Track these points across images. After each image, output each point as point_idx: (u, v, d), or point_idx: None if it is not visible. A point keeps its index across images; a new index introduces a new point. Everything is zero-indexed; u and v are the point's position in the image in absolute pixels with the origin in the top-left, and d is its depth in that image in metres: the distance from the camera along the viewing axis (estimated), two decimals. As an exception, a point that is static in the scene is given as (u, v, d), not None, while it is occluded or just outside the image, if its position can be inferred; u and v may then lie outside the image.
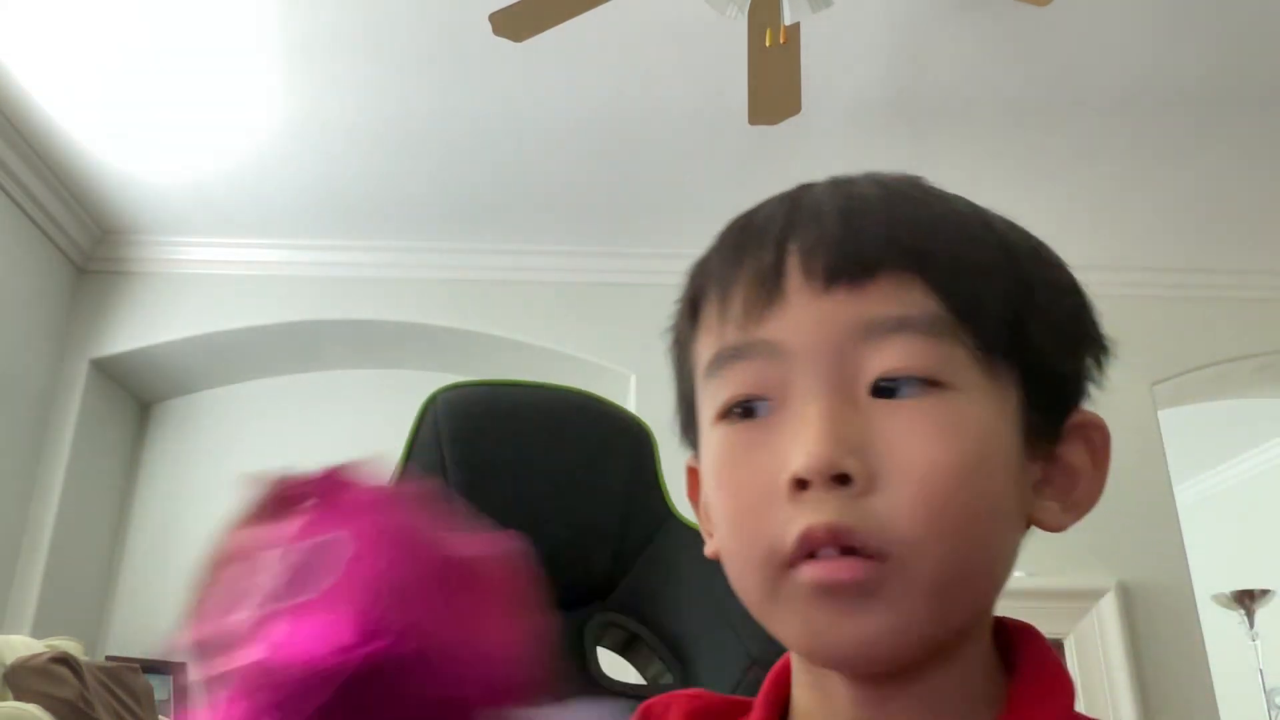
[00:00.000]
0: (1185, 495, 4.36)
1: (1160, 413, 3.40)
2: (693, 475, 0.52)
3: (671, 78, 2.75)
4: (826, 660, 0.44)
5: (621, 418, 1.25)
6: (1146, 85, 2.79)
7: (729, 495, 0.45)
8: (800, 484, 0.42)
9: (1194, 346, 3.50)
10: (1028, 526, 0.47)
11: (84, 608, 3.26)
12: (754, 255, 0.47)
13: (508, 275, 3.50)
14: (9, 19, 2.55)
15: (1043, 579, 3.09)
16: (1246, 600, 4.40)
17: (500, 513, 1.13)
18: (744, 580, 0.45)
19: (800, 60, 2.30)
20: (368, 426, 3.61)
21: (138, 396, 3.59)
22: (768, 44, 2.22)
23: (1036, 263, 0.48)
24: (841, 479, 0.41)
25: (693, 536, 1.19)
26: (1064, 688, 0.45)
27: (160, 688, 3.08)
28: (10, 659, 2.06)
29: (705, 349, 0.47)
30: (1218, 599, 4.40)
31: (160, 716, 2.69)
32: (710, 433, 0.47)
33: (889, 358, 0.43)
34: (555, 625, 1.10)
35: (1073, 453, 0.47)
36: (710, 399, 0.47)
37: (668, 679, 1.14)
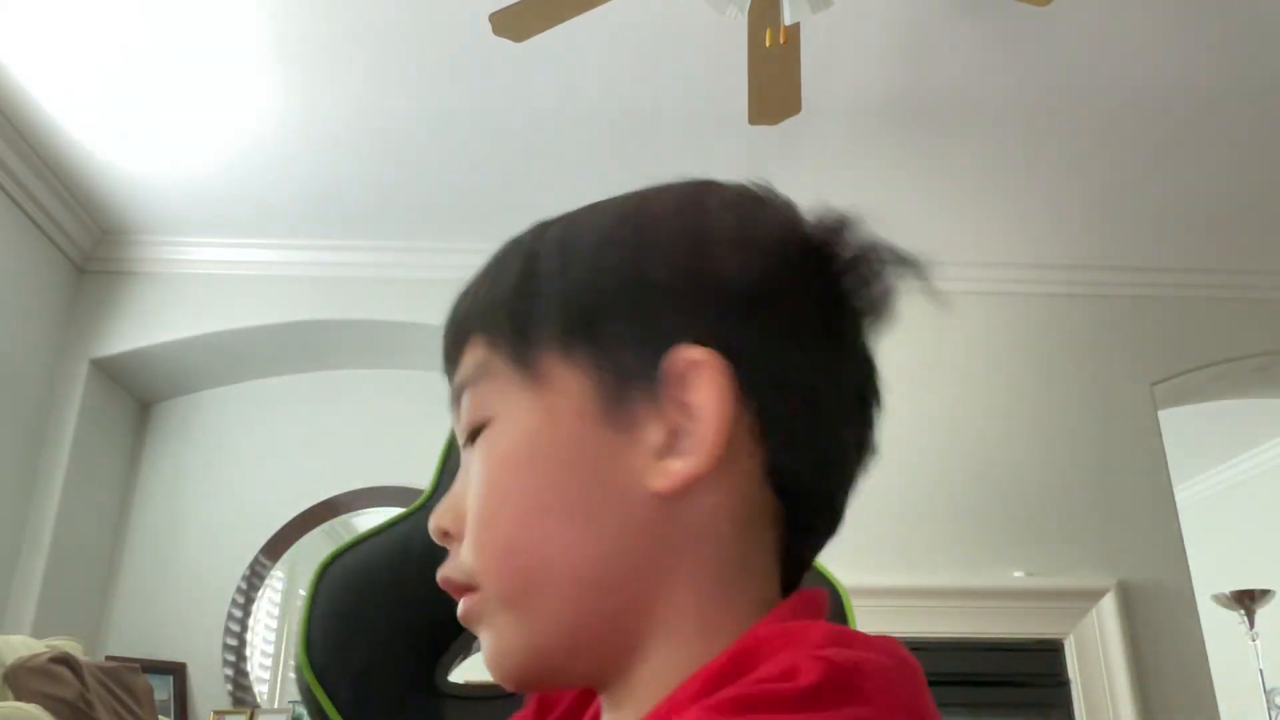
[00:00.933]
0: (1185, 495, 4.36)
1: (1160, 413, 3.41)
2: None
3: (671, 78, 2.75)
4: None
5: None
6: (1146, 85, 2.79)
7: None
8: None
9: (1194, 346, 3.50)
10: (664, 495, 0.44)
11: (84, 608, 3.26)
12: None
13: (508, 275, 3.50)
14: (9, 19, 2.55)
15: (1043, 579, 3.10)
16: (1246, 600, 4.40)
17: None
18: None
19: (800, 60, 2.30)
20: (368, 426, 3.63)
21: (138, 396, 3.59)
22: (768, 44, 2.22)
23: (555, 252, 0.48)
24: (447, 535, 0.48)
25: None
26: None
27: (160, 688, 3.08)
28: (10, 659, 2.06)
29: None
30: (1218, 599, 4.40)
31: (160, 716, 2.69)
32: None
33: (459, 417, 0.49)
34: None
35: (695, 394, 0.44)
36: None
37: None
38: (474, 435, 0.48)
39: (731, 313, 0.45)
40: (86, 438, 3.28)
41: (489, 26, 2.21)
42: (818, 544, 0.49)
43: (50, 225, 3.19)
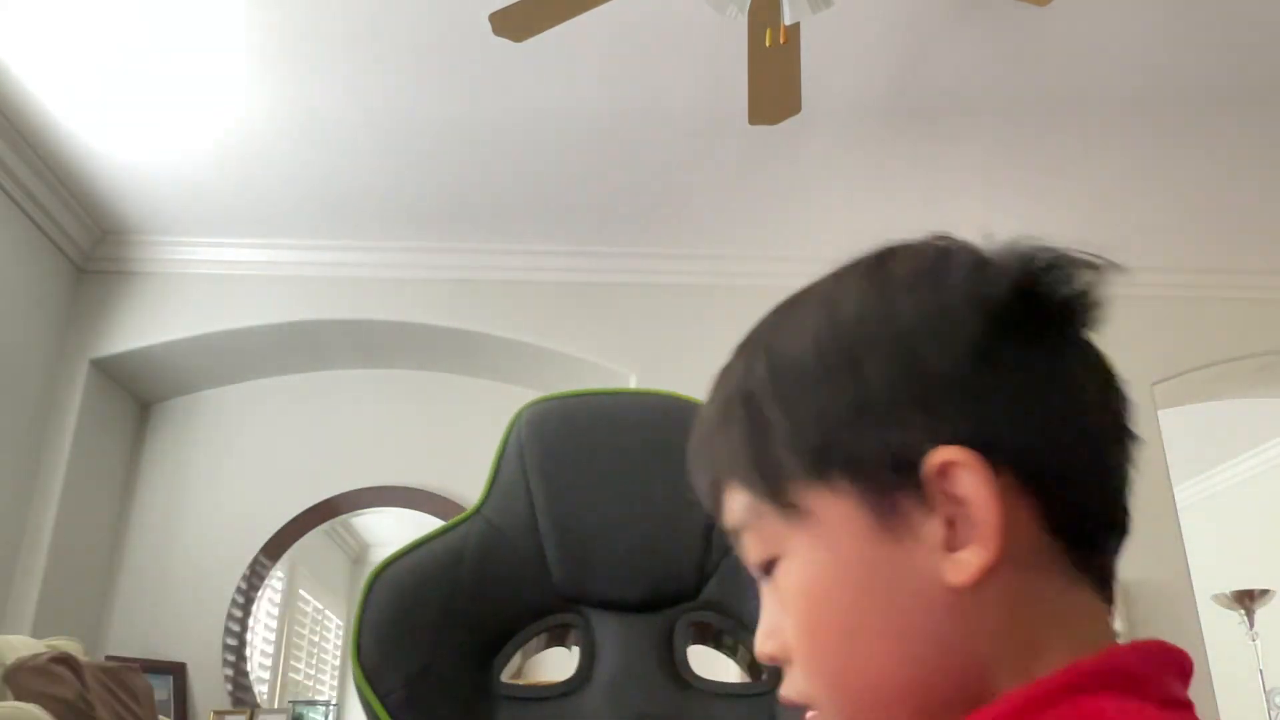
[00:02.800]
0: (1185, 495, 4.36)
1: (1160, 413, 3.40)
2: None
3: (671, 78, 2.75)
4: None
5: None
6: (1146, 85, 2.79)
7: None
8: None
9: (1194, 346, 3.50)
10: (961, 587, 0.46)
11: (84, 608, 3.26)
12: None
13: (508, 275, 3.50)
14: (9, 18, 2.55)
15: (1043, 579, 3.09)
16: (1246, 600, 4.40)
17: (583, 522, 1.16)
18: None
19: (800, 60, 2.30)
20: (368, 426, 3.63)
21: (138, 396, 3.59)
22: (768, 44, 2.22)
23: (774, 394, 0.50)
24: (774, 658, 0.51)
25: None
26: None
27: (160, 688, 3.08)
28: (10, 659, 2.06)
29: None
30: (1218, 599, 4.40)
31: (160, 716, 2.69)
32: None
33: (746, 556, 0.52)
34: (641, 627, 1.13)
35: (964, 487, 0.46)
36: None
37: (763, 676, 1.15)
38: (767, 568, 0.51)
39: (958, 400, 0.47)
40: (86, 438, 3.28)
41: (489, 26, 2.21)
42: (1117, 544, 0.52)
43: (50, 225, 3.19)
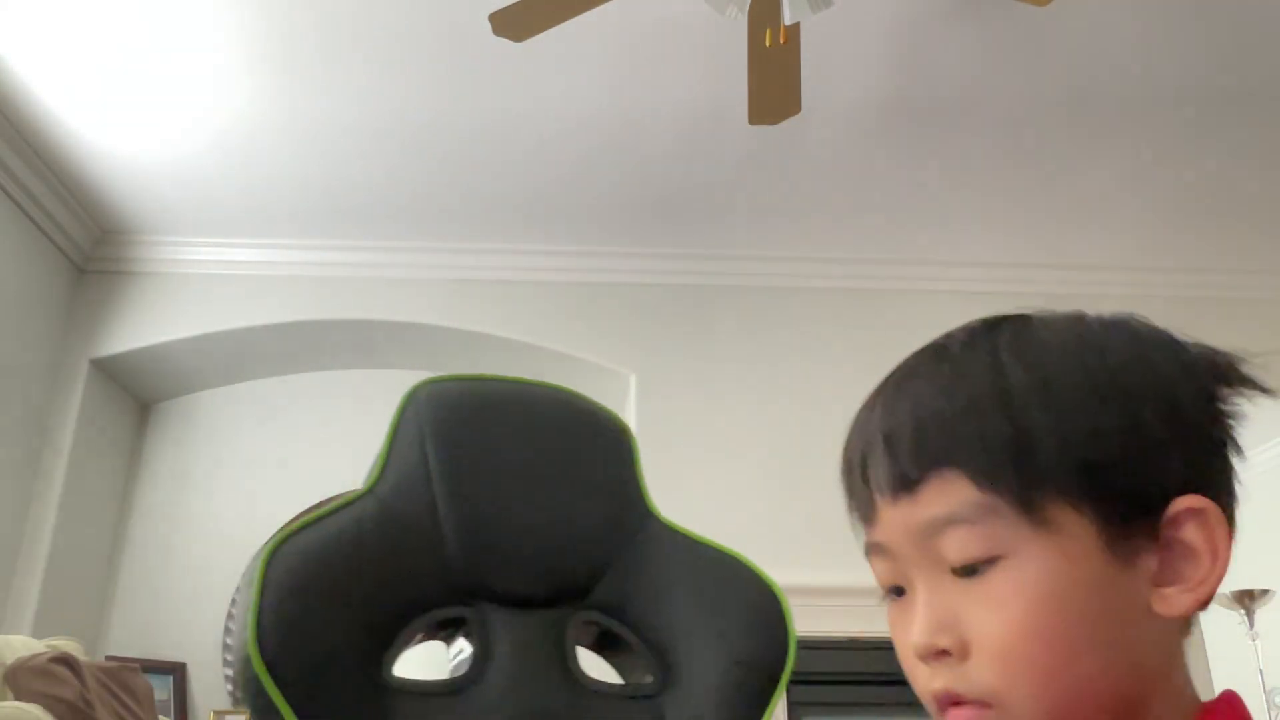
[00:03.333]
0: (1185, 495, 4.33)
1: (1160, 413, 3.40)
2: None
3: (671, 78, 2.75)
4: None
5: (601, 416, 1.24)
6: (1146, 85, 2.79)
7: (899, 654, 0.57)
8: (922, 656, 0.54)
9: (1194, 346, 3.50)
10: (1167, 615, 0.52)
11: (84, 608, 3.26)
12: (850, 479, 0.59)
13: (508, 275, 3.50)
14: (10, 17, 2.55)
15: (1043, 579, 3.09)
16: (1246, 600, 4.39)
17: (488, 510, 1.13)
18: None
19: (800, 60, 2.30)
20: (368, 426, 3.61)
21: (138, 396, 3.59)
22: (768, 44, 2.22)
23: (1043, 404, 0.53)
24: (943, 653, 0.53)
25: (676, 537, 1.18)
26: None
27: (160, 688, 3.08)
28: (10, 659, 2.06)
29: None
30: (1218, 599, 4.39)
31: (160, 716, 2.69)
32: (883, 601, 0.60)
33: (951, 549, 0.53)
34: (534, 624, 1.10)
35: (1188, 533, 0.52)
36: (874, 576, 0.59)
37: (648, 679, 1.13)
38: (972, 566, 0.53)
39: (1206, 457, 0.55)
40: (86, 438, 3.28)
41: (489, 26, 2.21)
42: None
43: (50, 225, 3.19)
